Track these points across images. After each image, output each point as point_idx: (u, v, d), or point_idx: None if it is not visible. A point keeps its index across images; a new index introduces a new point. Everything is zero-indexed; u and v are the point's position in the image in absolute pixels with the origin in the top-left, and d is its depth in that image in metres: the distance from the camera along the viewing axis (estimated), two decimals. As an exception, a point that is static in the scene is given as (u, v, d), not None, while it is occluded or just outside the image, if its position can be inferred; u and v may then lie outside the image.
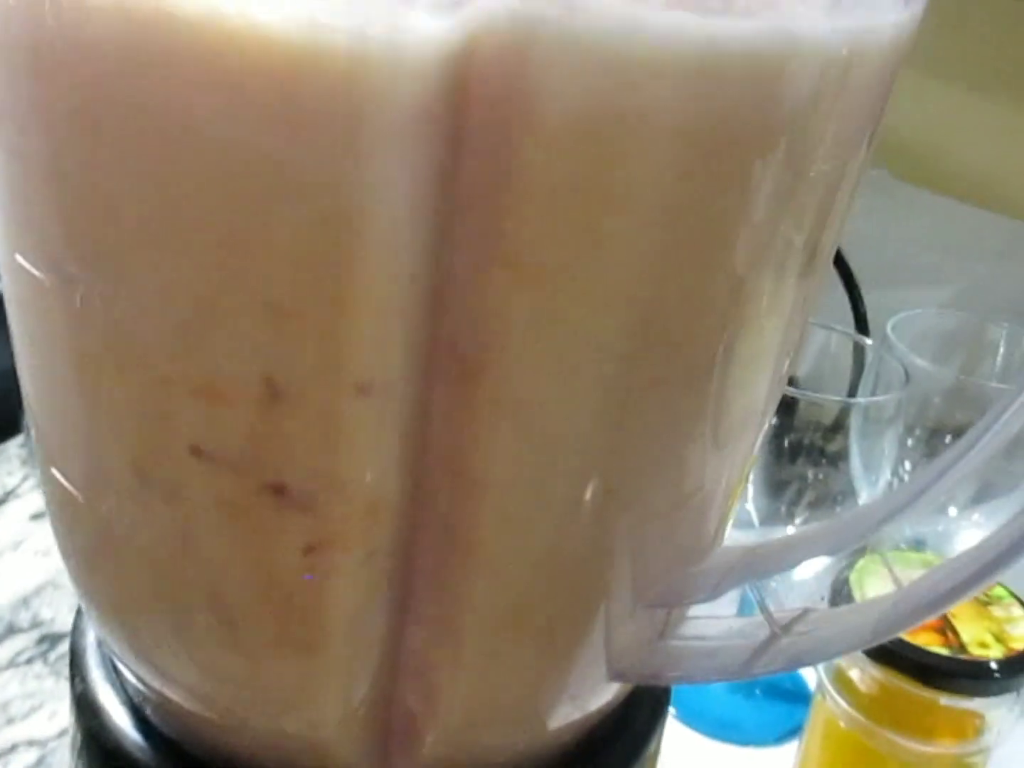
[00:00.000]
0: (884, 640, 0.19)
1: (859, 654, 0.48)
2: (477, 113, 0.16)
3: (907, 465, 0.70)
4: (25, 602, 0.66)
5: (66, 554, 0.24)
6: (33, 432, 0.23)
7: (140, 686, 0.25)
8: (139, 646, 0.24)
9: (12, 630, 0.65)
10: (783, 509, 0.67)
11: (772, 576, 0.21)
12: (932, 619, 0.20)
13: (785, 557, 0.21)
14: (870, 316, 0.82)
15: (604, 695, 0.24)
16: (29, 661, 0.63)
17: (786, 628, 0.21)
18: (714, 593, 0.22)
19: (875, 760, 0.49)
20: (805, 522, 0.66)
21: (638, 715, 0.26)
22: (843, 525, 0.20)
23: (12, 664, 0.62)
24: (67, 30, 0.16)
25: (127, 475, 0.20)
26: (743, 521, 0.66)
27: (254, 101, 0.15)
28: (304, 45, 0.15)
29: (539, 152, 0.16)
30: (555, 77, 0.15)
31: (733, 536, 0.66)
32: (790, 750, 0.57)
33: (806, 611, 0.22)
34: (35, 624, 0.65)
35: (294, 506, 0.20)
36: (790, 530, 0.66)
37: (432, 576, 0.21)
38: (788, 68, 0.17)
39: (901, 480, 0.71)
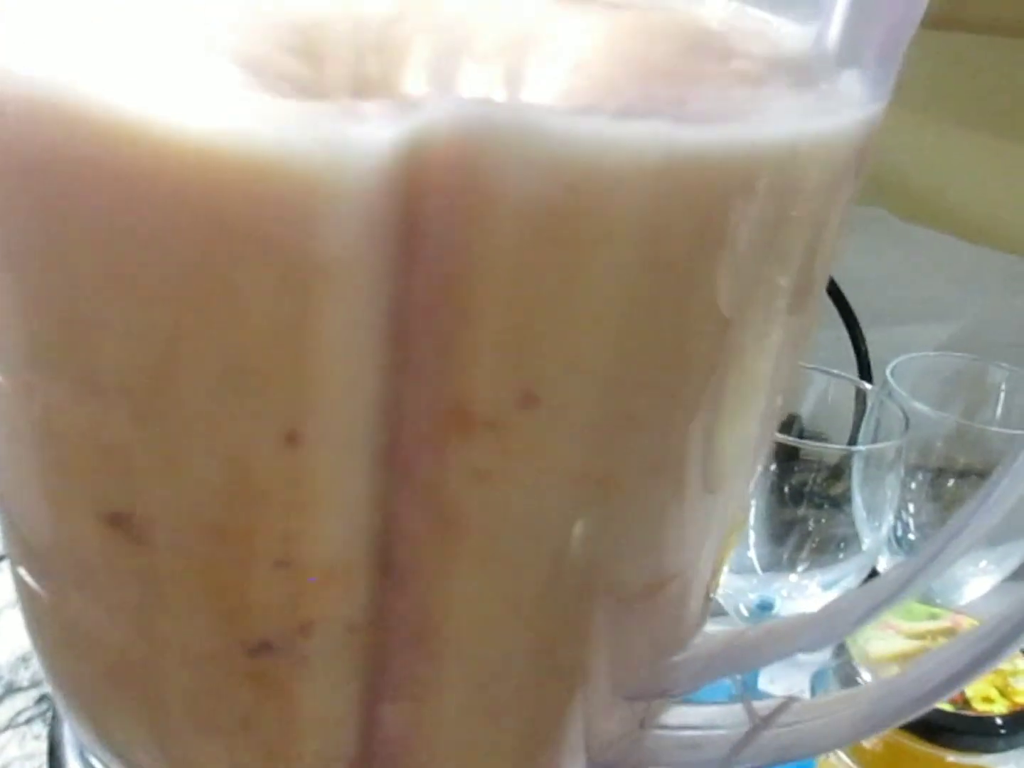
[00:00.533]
0: (873, 735, 0.19)
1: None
2: (430, 226, 0.15)
3: (911, 508, 0.70)
4: (24, 660, 0.66)
5: (36, 649, 0.24)
6: (1, 527, 0.22)
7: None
8: (112, 744, 0.23)
9: (12, 689, 0.64)
10: (786, 555, 0.66)
11: (755, 669, 0.21)
12: (925, 712, 0.19)
13: (768, 649, 0.20)
14: (872, 354, 0.82)
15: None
16: (28, 721, 0.62)
17: (768, 719, 0.21)
18: (693, 686, 0.21)
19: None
20: (808, 569, 0.66)
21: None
22: (830, 616, 0.20)
23: (11, 725, 0.62)
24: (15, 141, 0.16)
25: (86, 577, 0.20)
26: (745, 567, 0.66)
27: (196, 220, 0.15)
28: (245, 159, 0.14)
29: (494, 256, 0.16)
30: (506, 184, 0.15)
31: (734, 582, 0.65)
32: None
33: (789, 701, 0.21)
34: (35, 683, 0.64)
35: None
36: (793, 578, 0.65)
37: (402, 667, 0.21)
38: (749, 172, 0.17)
39: (905, 525, 0.70)
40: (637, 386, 0.19)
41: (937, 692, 0.19)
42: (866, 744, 0.48)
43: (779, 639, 0.20)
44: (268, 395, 0.17)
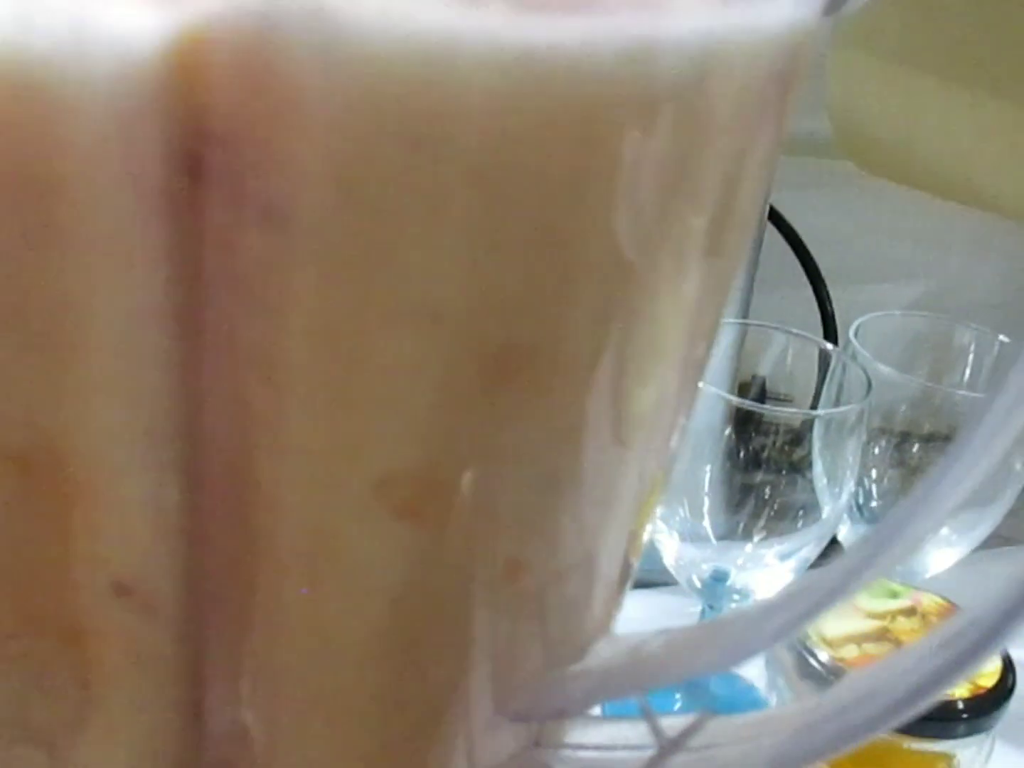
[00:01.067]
0: (802, 766, 0.16)
1: (814, 686, 0.45)
2: (216, 151, 0.12)
3: (873, 475, 0.67)
4: None
5: None
6: None
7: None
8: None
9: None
10: (742, 524, 0.64)
11: (657, 687, 0.17)
12: (868, 740, 0.16)
13: (671, 668, 0.17)
14: (838, 314, 0.79)
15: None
16: None
17: (677, 742, 0.18)
18: (584, 706, 0.18)
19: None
20: (765, 538, 0.63)
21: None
22: (739, 629, 0.16)
23: None
24: None
25: None
26: (699, 536, 0.63)
27: None
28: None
29: (302, 190, 0.12)
30: (305, 93, 0.12)
31: (687, 552, 0.62)
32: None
33: (702, 718, 0.18)
34: None
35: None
36: (749, 548, 0.62)
37: (225, 677, 0.17)
38: (641, 83, 0.14)
39: (868, 492, 0.67)
40: (509, 330, 0.15)
41: (885, 717, 0.16)
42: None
43: (690, 652, 0.17)
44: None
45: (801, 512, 0.63)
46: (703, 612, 0.61)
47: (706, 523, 0.63)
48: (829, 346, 0.62)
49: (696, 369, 0.20)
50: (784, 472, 0.64)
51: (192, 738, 0.18)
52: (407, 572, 0.16)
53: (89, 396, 0.14)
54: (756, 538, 0.62)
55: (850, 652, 0.45)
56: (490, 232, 0.14)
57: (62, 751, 0.18)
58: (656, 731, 0.18)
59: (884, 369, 0.60)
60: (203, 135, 0.12)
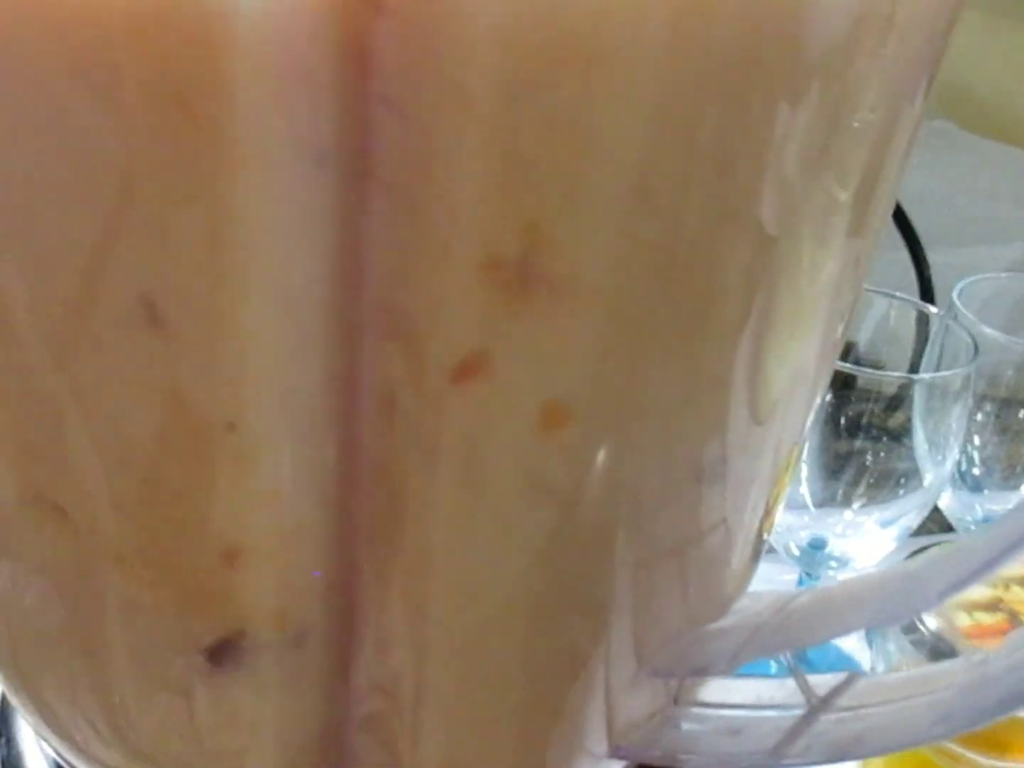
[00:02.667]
0: (961, 733, 0.15)
1: (923, 655, 0.44)
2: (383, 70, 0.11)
3: (976, 441, 0.65)
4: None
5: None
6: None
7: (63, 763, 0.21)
8: (48, 716, 0.20)
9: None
10: (840, 491, 0.62)
11: (807, 647, 0.17)
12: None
13: (824, 624, 0.16)
14: (935, 278, 0.77)
15: (607, 771, 0.20)
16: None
17: (827, 700, 0.17)
18: (731, 664, 0.17)
19: (942, 776, 0.44)
20: (864, 506, 0.62)
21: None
22: (905, 584, 0.15)
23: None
24: None
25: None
26: (797, 503, 0.62)
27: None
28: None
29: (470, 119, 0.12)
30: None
31: (785, 519, 0.61)
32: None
33: (851, 678, 0.17)
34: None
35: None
36: (848, 515, 0.61)
37: (378, 629, 0.17)
38: (800, 49, 0.13)
39: (969, 459, 0.66)
40: (657, 299, 0.15)
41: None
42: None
43: (840, 611, 0.16)
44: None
45: (902, 480, 0.62)
46: (800, 579, 0.60)
47: (804, 490, 0.61)
48: (932, 309, 0.60)
49: (833, 349, 0.19)
50: (884, 439, 0.62)
51: (340, 694, 0.18)
52: (555, 524, 0.16)
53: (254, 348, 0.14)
54: (855, 505, 0.61)
55: (961, 621, 0.44)
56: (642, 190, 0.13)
57: (205, 705, 0.18)
58: (806, 690, 0.17)
59: (989, 332, 0.58)
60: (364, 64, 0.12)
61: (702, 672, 0.18)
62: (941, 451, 0.61)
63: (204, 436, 0.15)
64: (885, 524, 0.60)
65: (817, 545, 0.62)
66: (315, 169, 0.13)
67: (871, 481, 0.62)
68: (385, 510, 0.15)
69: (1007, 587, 0.44)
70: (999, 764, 0.43)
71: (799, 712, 0.17)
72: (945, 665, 0.17)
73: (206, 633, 0.17)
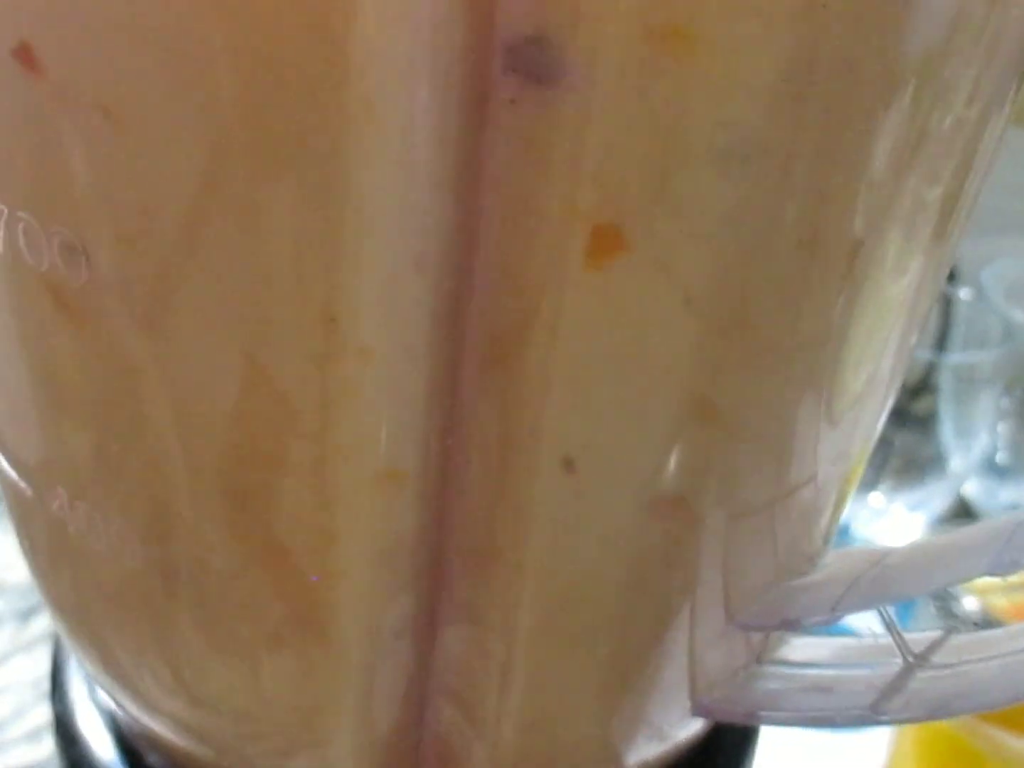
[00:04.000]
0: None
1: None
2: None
3: (1001, 427, 0.64)
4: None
5: (31, 568, 0.20)
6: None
7: (124, 716, 0.21)
8: (119, 674, 0.19)
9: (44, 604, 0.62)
10: (867, 474, 0.62)
11: (909, 598, 0.16)
12: None
13: (928, 574, 0.16)
14: (957, 265, 0.76)
15: (687, 731, 0.20)
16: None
17: (923, 656, 0.17)
18: (831, 617, 0.17)
19: (975, 759, 0.44)
20: (891, 488, 0.61)
21: (724, 754, 0.21)
22: (1013, 535, 0.15)
23: (47, 637, 0.59)
24: None
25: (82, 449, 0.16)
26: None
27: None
28: None
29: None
30: None
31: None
32: (869, 741, 0.53)
33: (948, 633, 0.17)
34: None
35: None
36: (873, 496, 0.61)
37: (469, 577, 0.17)
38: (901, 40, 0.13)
39: (994, 445, 0.65)
40: (746, 300, 0.14)
41: None
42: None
43: (948, 558, 0.16)
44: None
45: (928, 465, 0.61)
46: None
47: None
48: (961, 292, 0.60)
49: (907, 355, 0.19)
50: (909, 423, 0.62)
51: (424, 656, 0.17)
52: (652, 485, 0.16)
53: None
54: (880, 487, 0.61)
55: (998, 600, 0.43)
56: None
57: (270, 662, 0.18)
58: (902, 646, 0.17)
59: (1019, 315, 0.58)
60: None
61: (796, 625, 0.17)
62: (968, 437, 0.60)
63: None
64: (911, 509, 0.60)
65: (841, 529, 0.61)
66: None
67: (897, 466, 0.61)
68: (484, 455, 0.15)
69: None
70: (1032, 746, 0.42)
71: (893, 669, 0.17)
72: (1049, 620, 0.16)
73: (282, 603, 0.16)
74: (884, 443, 0.62)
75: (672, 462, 0.16)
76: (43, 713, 0.54)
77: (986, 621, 0.42)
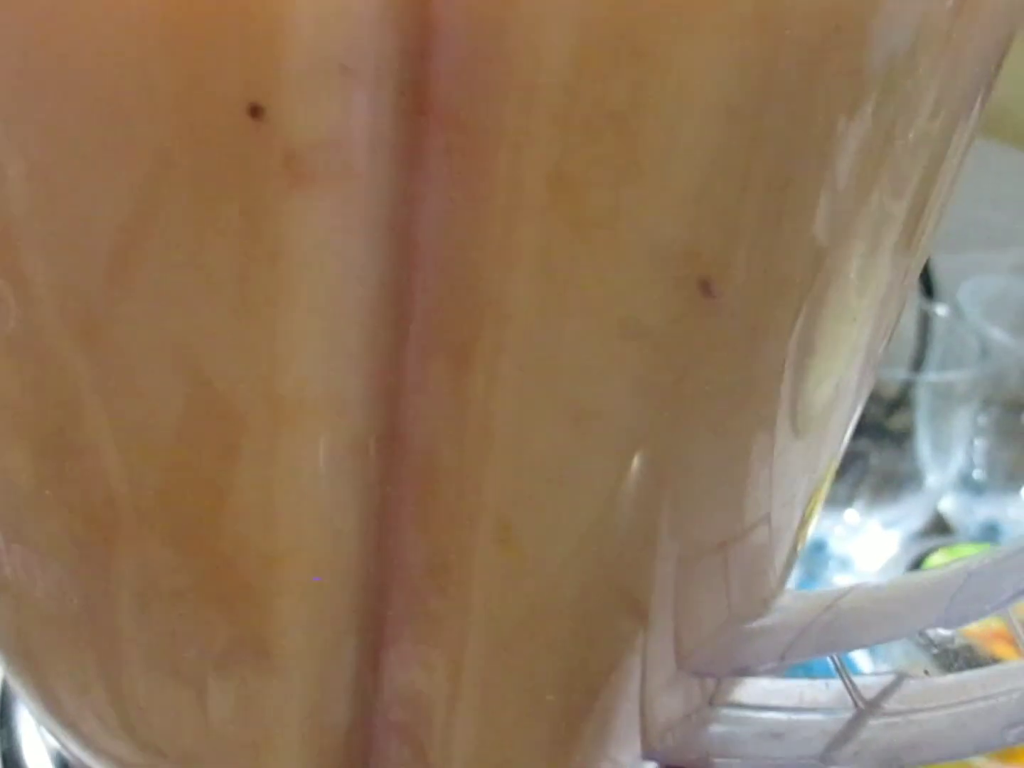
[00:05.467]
0: None
1: (930, 659, 0.43)
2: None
3: (978, 444, 0.64)
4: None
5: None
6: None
7: (70, 755, 0.20)
8: (62, 715, 0.19)
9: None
10: (842, 491, 0.62)
11: (860, 647, 0.16)
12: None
13: (879, 625, 0.16)
14: (934, 281, 0.76)
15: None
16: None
17: (875, 703, 0.16)
18: (780, 664, 0.17)
19: None
20: (867, 505, 0.61)
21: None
22: (969, 586, 0.15)
23: None
24: None
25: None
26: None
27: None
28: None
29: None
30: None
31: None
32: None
33: (900, 679, 0.17)
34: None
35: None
36: (849, 513, 0.60)
37: (413, 600, 0.16)
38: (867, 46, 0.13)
39: (970, 462, 0.65)
40: (719, 264, 0.14)
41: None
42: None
43: (896, 611, 0.16)
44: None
45: (905, 482, 0.61)
46: (800, 582, 0.60)
47: (805, 491, 0.60)
48: (937, 308, 0.60)
49: (873, 367, 0.19)
50: (886, 439, 0.62)
51: (366, 700, 0.17)
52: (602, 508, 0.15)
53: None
54: (856, 504, 0.60)
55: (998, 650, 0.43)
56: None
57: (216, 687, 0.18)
58: (853, 692, 0.16)
59: (996, 333, 0.58)
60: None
61: (747, 672, 0.17)
62: (944, 454, 0.60)
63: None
64: (887, 526, 0.60)
65: (818, 546, 0.61)
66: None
67: (873, 483, 0.61)
68: (425, 484, 0.15)
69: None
70: (1006, 770, 0.42)
71: (846, 715, 0.17)
72: (1000, 668, 0.16)
73: (228, 627, 0.16)
74: (860, 460, 0.62)
75: (620, 504, 0.16)
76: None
77: (957, 642, 0.42)
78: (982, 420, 0.64)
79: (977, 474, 0.65)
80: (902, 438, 0.62)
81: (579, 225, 0.13)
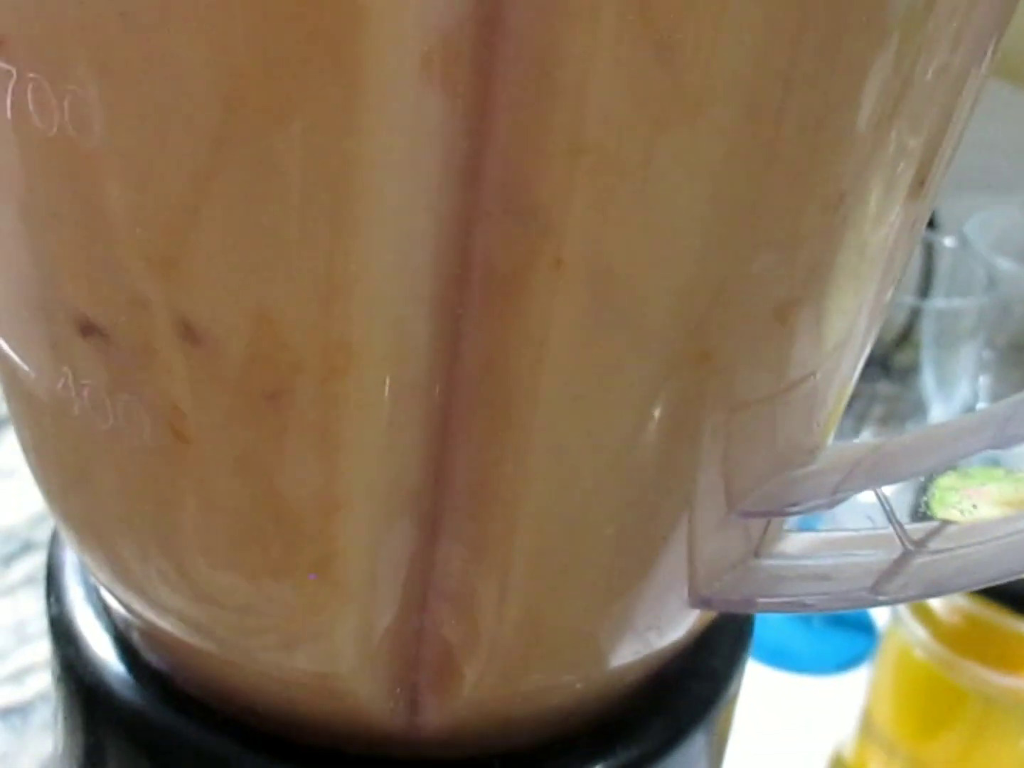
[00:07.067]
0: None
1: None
2: None
3: (983, 378, 0.65)
4: (45, 517, 0.63)
5: (35, 475, 0.20)
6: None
7: (123, 611, 0.21)
8: (119, 567, 0.19)
9: (29, 547, 0.61)
10: (848, 424, 0.62)
11: (910, 478, 0.17)
12: None
13: (928, 455, 0.16)
14: (938, 216, 0.76)
15: (683, 626, 0.20)
16: (46, 579, 0.60)
17: (920, 544, 0.17)
18: (833, 499, 0.17)
19: (955, 694, 0.44)
20: (872, 437, 0.62)
21: (716, 656, 0.22)
22: (1011, 414, 0.15)
23: (30, 581, 0.59)
24: None
25: (79, 340, 0.16)
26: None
27: None
28: None
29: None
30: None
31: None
32: (848, 680, 0.54)
33: (944, 524, 0.17)
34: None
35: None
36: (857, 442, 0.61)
37: (469, 471, 0.17)
38: None
39: (975, 394, 0.66)
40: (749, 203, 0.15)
41: None
42: (943, 616, 0.44)
43: (942, 442, 0.16)
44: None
45: (910, 415, 0.62)
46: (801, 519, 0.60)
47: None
48: (945, 240, 0.60)
49: (880, 313, 0.19)
50: (892, 372, 0.62)
51: (420, 572, 0.17)
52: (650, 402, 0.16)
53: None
54: (863, 435, 0.61)
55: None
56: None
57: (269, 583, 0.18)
58: (902, 535, 0.17)
59: (1004, 263, 0.58)
60: None
61: (798, 510, 0.17)
62: (949, 388, 0.61)
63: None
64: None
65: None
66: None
67: (879, 416, 0.62)
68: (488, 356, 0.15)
69: None
70: (1013, 683, 0.43)
71: (892, 556, 0.17)
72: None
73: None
74: (866, 393, 0.63)
75: (673, 367, 0.16)
76: (25, 656, 0.54)
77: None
78: (987, 355, 0.64)
79: (980, 407, 0.65)
80: (907, 373, 0.62)
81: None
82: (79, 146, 0.14)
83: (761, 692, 0.53)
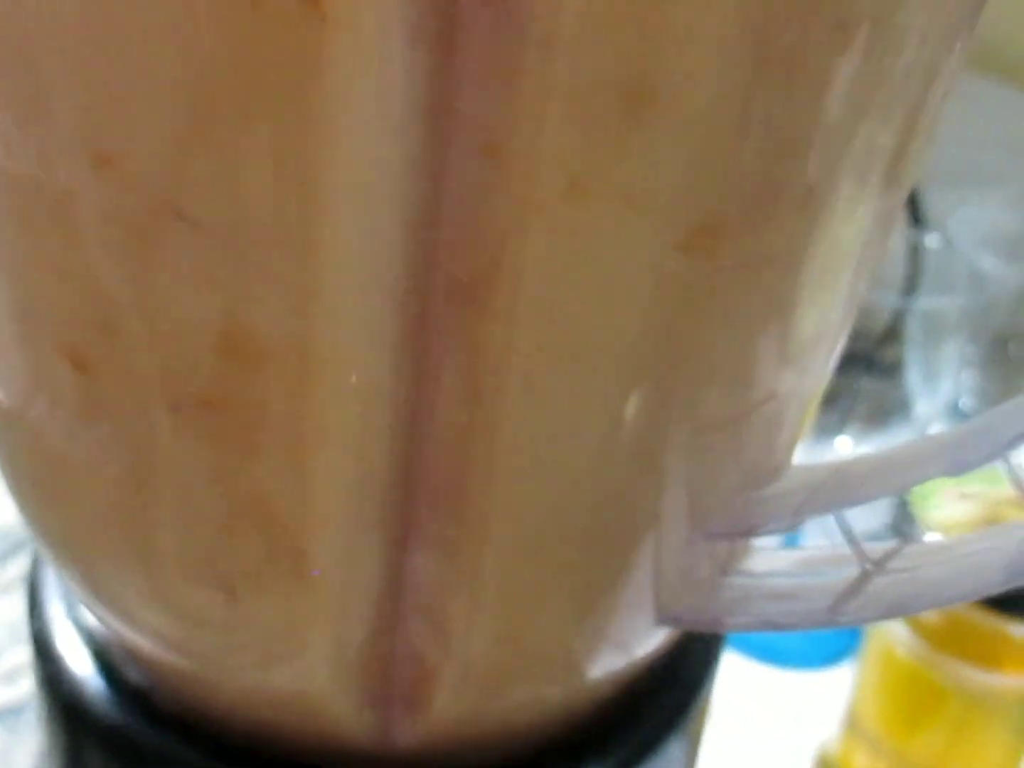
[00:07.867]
0: (1017, 584, 0.15)
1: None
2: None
3: (968, 373, 0.65)
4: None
5: (13, 493, 0.20)
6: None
7: (101, 627, 0.21)
8: (95, 583, 0.20)
9: (24, 546, 0.62)
10: (833, 420, 0.62)
11: (869, 500, 0.17)
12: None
13: (887, 478, 0.16)
14: (924, 212, 0.76)
15: (654, 641, 0.20)
16: (37, 579, 0.60)
17: (878, 564, 0.17)
18: (794, 521, 0.17)
19: (936, 691, 0.45)
20: (858, 433, 0.62)
21: (688, 663, 0.22)
22: (969, 439, 0.15)
23: (24, 580, 0.59)
24: None
25: (59, 364, 0.16)
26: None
27: None
28: None
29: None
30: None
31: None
32: (833, 675, 0.54)
33: (901, 544, 0.17)
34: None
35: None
36: (840, 440, 0.61)
37: (439, 489, 0.17)
38: None
39: (961, 393, 0.66)
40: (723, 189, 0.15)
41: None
42: (925, 615, 0.45)
43: (903, 466, 0.16)
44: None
45: (895, 412, 0.62)
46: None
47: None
48: (930, 236, 0.60)
49: (854, 303, 0.19)
50: (877, 368, 0.63)
51: (392, 585, 0.18)
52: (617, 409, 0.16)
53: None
54: (847, 434, 0.61)
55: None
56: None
57: (249, 593, 0.18)
58: (858, 551, 0.17)
59: (986, 262, 0.58)
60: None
61: (757, 530, 0.18)
62: (933, 384, 0.61)
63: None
64: (878, 454, 0.61)
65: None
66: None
67: (864, 413, 0.62)
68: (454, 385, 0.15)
69: (995, 509, 0.45)
70: (993, 680, 0.44)
71: (851, 576, 0.17)
72: (1001, 525, 0.17)
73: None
74: (851, 389, 0.63)
75: (637, 388, 0.16)
76: (20, 654, 0.54)
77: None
78: (970, 351, 0.64)
79: (965, 403, 0.66)
80: (892, 369, 0.62)
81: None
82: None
83: (747, 687, 0.53)
